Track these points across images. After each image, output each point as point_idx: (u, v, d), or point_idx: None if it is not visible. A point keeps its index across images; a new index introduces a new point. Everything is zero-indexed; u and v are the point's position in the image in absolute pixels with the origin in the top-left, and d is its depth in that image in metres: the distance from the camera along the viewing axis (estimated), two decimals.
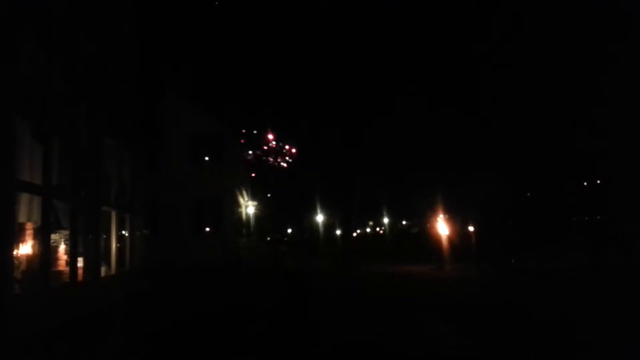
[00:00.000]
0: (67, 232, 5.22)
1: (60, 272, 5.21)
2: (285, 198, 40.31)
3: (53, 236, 5.02)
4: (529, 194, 33.64)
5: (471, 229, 25.95)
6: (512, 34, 25.00)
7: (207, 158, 20.80)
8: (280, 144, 42.59)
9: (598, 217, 30.38)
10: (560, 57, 25.62)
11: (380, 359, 5.86)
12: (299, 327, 7.50)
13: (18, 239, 4.47)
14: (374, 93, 25.30)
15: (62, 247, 5.30)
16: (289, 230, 48.18)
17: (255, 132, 38.35)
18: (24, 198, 4.71)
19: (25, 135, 4.49)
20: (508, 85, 26.83)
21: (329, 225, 41.85)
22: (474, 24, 24.96)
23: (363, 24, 23.78)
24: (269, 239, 33.37)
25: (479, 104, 27.61)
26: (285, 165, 42.49)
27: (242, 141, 25.98)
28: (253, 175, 35.95)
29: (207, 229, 20.34)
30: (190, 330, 7.18)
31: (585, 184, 32.37)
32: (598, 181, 31.56)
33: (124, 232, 6.71)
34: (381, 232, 51.82)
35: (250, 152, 37.81)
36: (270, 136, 41.71)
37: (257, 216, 26.69)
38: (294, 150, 41.96)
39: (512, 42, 25.45)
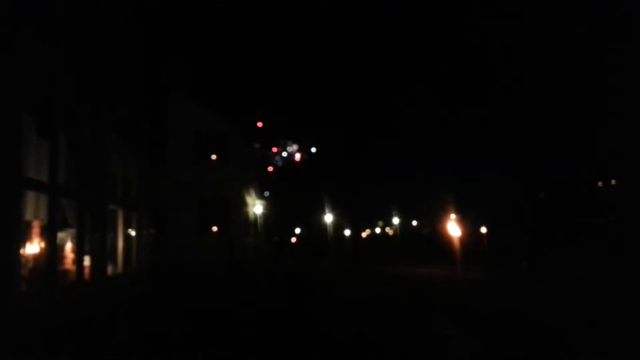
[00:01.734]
0: (73, 231, 5.23)
1: (67, 270, 5.22)
2: (293, 198, 40.31)
3: (60, 234, 5.02)
4: (541, 195, 33.20)
5: (483, 230, 25.70)
6: (522, 34, 24.73)
7: (213, 157, 20.85)
8: (289, 143, 42.62)
9: (611, 219, 29.87)
10: (573, 54, 25.25)
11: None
12: (302, 327, 7.45)
13: (25, 237, 4.47)
14: (384, 93, 25.19)
15: (68, 246, 5.30)
16: (298, 231, 48.15)
17: (262, 131, 38.45)
18: (31, 196, 4.71)
19: (31, 133, 4.50)
20: (520, 84, 26.54)
21: (338, 226, 41.74)
22: (481, 23, 24.77)
23: (370, 24, 23.72)
24: (276, 238, 33.36)
25: (491, 103, 27.34)
26: (294, 163, 42.50)
27: (249, 140, 26.02)
28: (260, 174, 36.01)
29: (213, 228, 20.38)
30: (194, 330, 7.16)
31: (599, 184, 31.83)
32: (613, 182, 31.00)
33: (130, 230, 6.71)
34: (391, 232, 51.55)
35: (258, 151, 37.87)
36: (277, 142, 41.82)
37: (265, 216, 26.68)
38: (299, 154, 42.03)
39: (522, 42, 25.17)
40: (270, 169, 40.87)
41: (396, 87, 25.19)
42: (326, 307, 9.24)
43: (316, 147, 36.75)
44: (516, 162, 28.59)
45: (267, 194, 29.66)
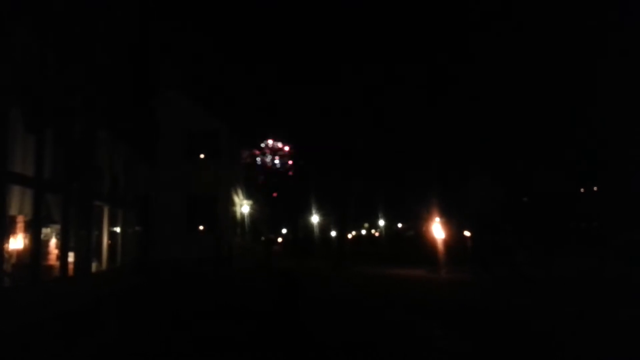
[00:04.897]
0: (58, 226, 5.19)
1: (51, 266, 5.18)
2: (280, 198, 40.29)
3: (44, 230, 4.99)
4: (525, 199, 33.69)
5: (467, 233, 25.98)
6: (511, 35, 25.08)
7: (202, 155, 20.75)
8: (278, 144, 42.57)
9: (594, 225, 30.45)
10: (559, 60, 25.70)
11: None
12: (287, 326, 7.47)
13: (9, 231, 4.44)
14: (371, 95, 25.36)
15: (53, 241, 5.26)
16: (284, 231, 48.10)
17: (252, 131, 38.34)
18: (16, 190, 4.67)
19: (17, 127, 4.46)
20: (506, 89, 26.94)
21: (324, 227, 41.81)
22: (471, 25, 25.06)
23: (359, 25, 23.86)
24: (263, 238, 33.30)
25: (477, 107, 27.69)
26: (280, 165, 42.45)
27: (239, 139, 25.96)
28: (249, 174, 35.91)
29: (201, 227, 20.27)
30: (177, 328, 7.12)
31: (582, 190, 32.41)
32: (595, 188, 31.61)
33: (115, 227, 6.66)
34: (376, 234, 51.81)
35: (247, 151, 37.76)
36: (270, 141, 41.72)
37: (252, 215, 26.62)
38: (287, 149, 41.96)
39: (511, 44, 25.50)
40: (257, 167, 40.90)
41: (384, 88, 25.40)
42: (311, 308, 9.26)
43: (306, 147, 36.84)
44: (501, 165, 29.01)
45: (255, 194, 29.62)
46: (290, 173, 41.74)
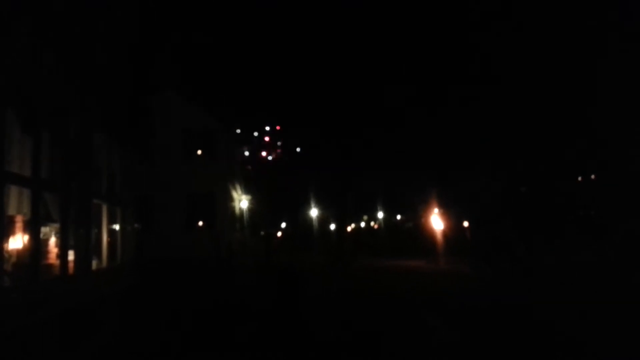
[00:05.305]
0: (57, 225, 5.19)
1: (51, 265, 5.18)
2: (279, 193, 40.34)
3: (43, 229, 4.99)
4: (523, 190, 33.73)
5: (466, 224, 26.10)
6: (507, 30, 25.05)
7: (200, 153, 20.79)
8: (275, 140, 42.57)
9: (592, 213, 30.51)
10: (555, 52, 25.67)
11: (370, 352, 5.89)
12: (287, 325, 7.50)
13: (8, 231, 4.43)
14: (370, 90, 25.35)
15: (52, 240, 5.26)
16: (283, 225, 48.17)
17: (249, 127, 38.25)
18: (14, 190, 4.67)
19: (14, 126, 4.45)
20: (502, 81, 26.94)
21: (323, 220, 41.88)
22: (468, 20, 25.02)
23: (357, 24, 23.78)
24: (262, 233, 33.36)
25: (474, 100, 27.70)
26: (277, 158, 42.47)
27: (237, 135, 25.92)
28: (247, 169, 35.89)
29: (200, 224, 20.31)
30: (179, 327, 7.16)
31: (579, 179, 32.43)
32: (592, 176, 31.65)
33: (114, 225, 6.67)
34: (375, 226, 51.93)
35: (244, 147, 37.72)
36: (266, 137, 41.71)
37: (251, 211, 26.64)
38: (279, 144, 41.96)
39: (506, 38, 25.47)
40: (253, 162, 41.01)
41: (382, 82, 25.39)
42: (315, 307, 9.29)
43: (306, 144, 36.83)
44: (498, 157, 29.07)
45: (253, 189, 29.64)
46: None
